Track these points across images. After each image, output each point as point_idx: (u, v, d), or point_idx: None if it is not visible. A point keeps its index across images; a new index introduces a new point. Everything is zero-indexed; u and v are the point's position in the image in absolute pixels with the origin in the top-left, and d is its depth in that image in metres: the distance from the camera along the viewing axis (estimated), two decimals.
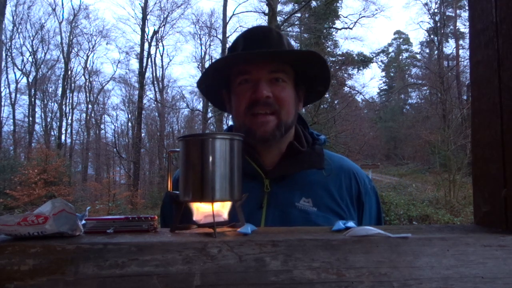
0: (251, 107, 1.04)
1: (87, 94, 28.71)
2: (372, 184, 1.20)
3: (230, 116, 1.20)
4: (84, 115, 29.31)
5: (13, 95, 26.14)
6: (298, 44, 22.40)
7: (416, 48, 36.29)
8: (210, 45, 27.99)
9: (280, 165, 1.09)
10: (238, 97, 1.09)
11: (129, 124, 29.41)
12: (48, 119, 27.04)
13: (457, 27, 29.11)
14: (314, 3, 20.11)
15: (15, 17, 25.33)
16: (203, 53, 27.85)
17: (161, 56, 32.72)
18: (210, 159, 0.73)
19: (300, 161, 1.08)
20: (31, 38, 26.23)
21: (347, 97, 18.89)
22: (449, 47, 30.16)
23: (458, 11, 28.91)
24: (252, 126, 1.05)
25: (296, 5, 20.31)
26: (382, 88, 38.59)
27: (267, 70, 1.05)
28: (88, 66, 28.62)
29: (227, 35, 22.38)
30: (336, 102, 19.93)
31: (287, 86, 1.08)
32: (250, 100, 1.04)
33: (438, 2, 27.18)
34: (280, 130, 1.06)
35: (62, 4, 38.12)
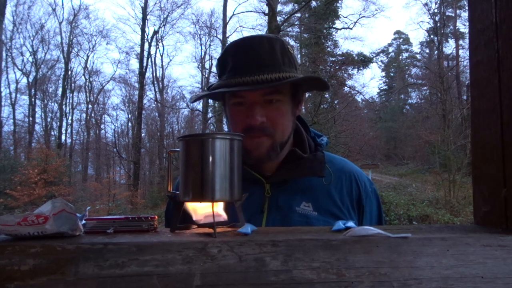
0: (246, 132, 1.02)
1: (87, 94, 28.72)
2: (373, 187, 1.20)
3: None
4: (84, 115, 29.34)
5: (13, 95, 26.14)
6: (298, 44, 22.42)
7: (416, 48, 36.31)
8: (210, 45, 27.92)
9: (280, 171, 1.10)
10: (233, 118, 1.07)
11: (129, 124, 29.44)
12: (48, 119, 27.05)
13: (457, 27, 29.12)
14: (314, 3, 20.11)
15: (15, 17, 25.35)
16: (203, 53, 27.83)
17: (161, 56, 32.77)
18: (210, 159, 0.73)
19: (301, 167, 1.08)
20: (31, 38, 26.23)
21: (347, 97, 18.89)
22: (449, 47, 30.19)
23: (458, 11, 28.92)
24: (247, 147, 1.03)
25: (296, 5, 20.31)
26: (382, 88, 38.59)
27: (261, 93, 1.02)
28: (88, 66, 28.63)
29: (227, 35, 22.40)
30: (336, 102, 19.94)
31: (282, 105, 1.05)
32: (245, 125, 1.03)
33: (438, 2, 27.18)
34: (275, 151, 1.05)
35: (62, 4, 38.39)
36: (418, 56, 35.06)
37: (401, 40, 37.92)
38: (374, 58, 24.50)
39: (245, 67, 1.01)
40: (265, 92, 1.02)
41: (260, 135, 1.03)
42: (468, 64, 0.84)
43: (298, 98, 1.12)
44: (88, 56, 28.34)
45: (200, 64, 27.62)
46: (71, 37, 27.06)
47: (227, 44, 1.10)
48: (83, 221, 0.73)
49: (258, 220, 1.05)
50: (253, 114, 1.01)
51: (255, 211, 1.06)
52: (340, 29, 20.88)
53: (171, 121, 28.48)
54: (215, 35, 26.14)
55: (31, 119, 26.07)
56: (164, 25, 26.49)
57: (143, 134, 25.79)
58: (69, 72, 27.06)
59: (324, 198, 1.09)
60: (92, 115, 28.98)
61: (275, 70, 1.00)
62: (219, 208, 0.78)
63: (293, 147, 1.12)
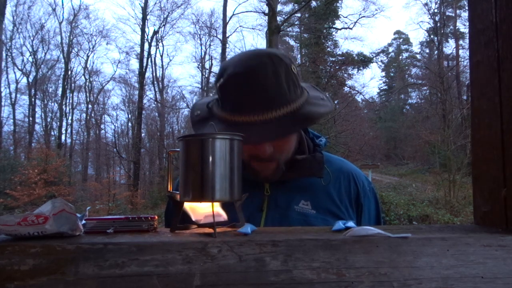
0: (253, 159, 1.03)
1: (87, 94, 28.71)
2: (371, 186, 1.20)
3: None
4: (84, 115, 29.32)
5: (13, 95, 26.13)
6: (298, 44, 22.42)
7: (416, 48, 36.33)
8: (210, 45, 27.89)
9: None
10: None
11: (129, 124, 29.43)
12: (48, 119, 27.04)
13: (457, 27, 29.12)
14: (314, 3, 20.12)
15: (15, 17, 25.33)
16: (203, 53, 27.83)
17: (161, 56, 32.60)
18: (210, 159, 0.73)
19: (300, 167, 1.08)
20: (31, 38, 26.20)
21: (347, 97, 18.91)
22: (449, 47, 30.19)
23: (458, 11, 28.93)
24: (255, 168, 1.04)
25: (296, 5, 20.31)
26: (382, 88, 38.59)
27: None
28: (88, 66, 28.60)
29: (227, 35, 22.40)
30: (336, 102, 19.94)
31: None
32: (251, 154, 1.02)
33: (438, 2, 27.17)
34: (281, 169, 1.06)
35: (62, 4, 38.36)
36: (418, 56, 35.12)
37: (401, 40, 37.94)
38: (374, 58, 24.52)
39: (250, 103, 0.96)
40: None
41: (267, 161, 1.03)
42: (468, 64, 0.84)
43: None
44: (88, 56, 28.34)
45: (200, 64, 27.64)
46: (71, 37, 27.06)
47: (226, 66, 1.01)
48: (83, 221, 0.73)
49: (257, 218, 1.06)
50: (262, 148, 0.99)
51: (254, 209, 1.07)
52: (340, 29, 20.90)
53: (171, 121, 28.49)
54: (215, 35, 26.14)
55: (31, 119, 26.08)
56: (164, 25, 26.49)
57: (143, 134, 25.79)
58: (69, 72, 27.06)
59: (323, 197, 1.09)
60: (92, 115, 29.00)
61: (282, 102, 0.95)
62: (219, 208, 0.78)
63: None
